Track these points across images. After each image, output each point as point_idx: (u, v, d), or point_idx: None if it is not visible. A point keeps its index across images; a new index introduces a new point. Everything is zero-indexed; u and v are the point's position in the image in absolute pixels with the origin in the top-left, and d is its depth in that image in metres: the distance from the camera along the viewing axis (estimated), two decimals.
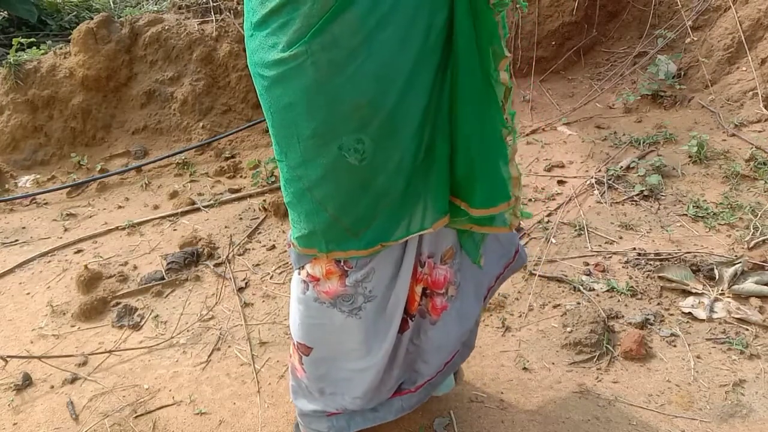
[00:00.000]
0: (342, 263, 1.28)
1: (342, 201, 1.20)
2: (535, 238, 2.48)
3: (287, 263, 2.50)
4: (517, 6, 1.20)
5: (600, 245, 2.40)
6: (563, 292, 2.17)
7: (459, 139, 1.20)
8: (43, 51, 3.89)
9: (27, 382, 2.00)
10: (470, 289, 1.47)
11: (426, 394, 1.57)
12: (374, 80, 1.06)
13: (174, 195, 3.18)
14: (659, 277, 2.17)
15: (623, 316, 2.02)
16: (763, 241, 2.27)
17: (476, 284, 1.49)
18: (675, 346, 1.89)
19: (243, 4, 1.28)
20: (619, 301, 2.10)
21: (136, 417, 1.83)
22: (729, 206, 2.50)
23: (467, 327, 1.51)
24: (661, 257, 2.26)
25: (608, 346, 1.90)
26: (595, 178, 2.84)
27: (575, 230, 2.50)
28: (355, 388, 1.44)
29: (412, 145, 1.17)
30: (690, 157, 2.88)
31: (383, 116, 1.10)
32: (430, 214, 1.27)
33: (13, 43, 3.75)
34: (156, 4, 4.35)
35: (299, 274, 1.35)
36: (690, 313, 2.00)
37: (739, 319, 1.96)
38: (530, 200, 2.77)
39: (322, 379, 1.45)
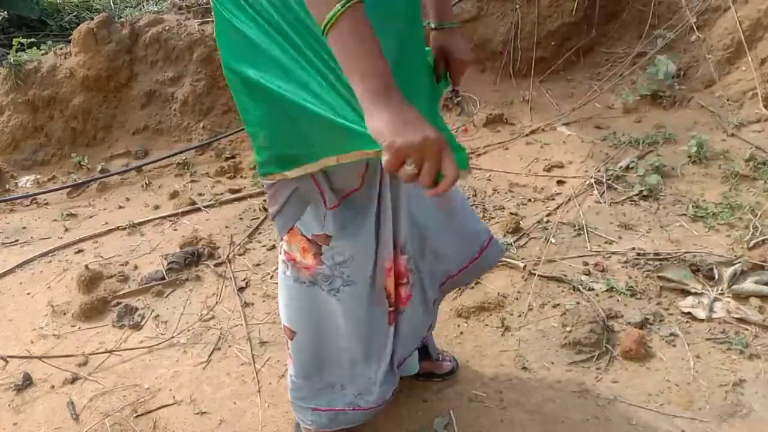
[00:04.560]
0: (313, 240, 1.26)
1: None
2: (534, 238, 2.48)
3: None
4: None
5: (599, 245, 2.40)
6: (563, 291, 2.18)
7: None
8: (43, 51, 3.89)
9: (27, 382, 2.00)
10: (425, 274, 1.50)
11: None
12: None
13: (174, 195, 3.19)
14: (659, 276, 2.17)
15: (623, 316, 2.02)
16: (763, 241, 2.27)
17: (430, 270, 1.52)
18: (674, 345, 1.90)
19: None
20: (618, 300, 2.10)
21: (136, 417, 1.84)
22: (728, 206, 2.50)
23: (430, 313, 1.57)
24: (661, 257, 2.27)
25: (608, 345, 1.91)
26: (595, 178, 2.84)
27: (574, 230, 2.50)
28: (347, 382, 1.46)
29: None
30: (689, 157, 2.88)
31: None
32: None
33: (13, 43, 3.75)
34: (156, 5, 4.35)
35: (281, 254, 1.34)
36: (689, 312, 2.01)
37: (739, 319, 1.96)
38: (529, 200, 2.77)
39: (311, 370, 1.46)
